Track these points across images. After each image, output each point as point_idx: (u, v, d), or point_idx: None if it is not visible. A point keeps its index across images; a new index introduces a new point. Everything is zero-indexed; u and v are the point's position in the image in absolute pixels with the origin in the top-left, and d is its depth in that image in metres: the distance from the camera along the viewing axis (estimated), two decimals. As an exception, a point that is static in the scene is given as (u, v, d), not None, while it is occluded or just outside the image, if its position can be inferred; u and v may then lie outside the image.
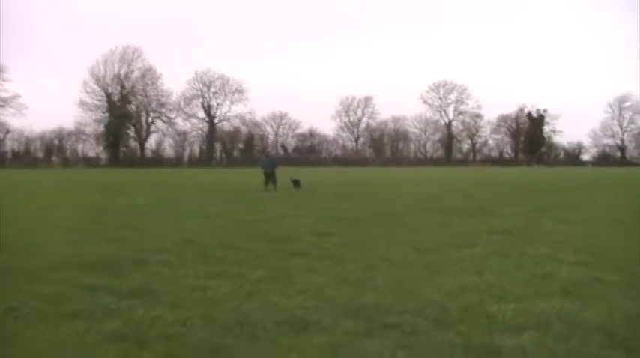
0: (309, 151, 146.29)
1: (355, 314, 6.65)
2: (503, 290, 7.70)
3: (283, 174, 35.57)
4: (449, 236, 13.04)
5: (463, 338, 5.86)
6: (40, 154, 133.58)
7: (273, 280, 8.39)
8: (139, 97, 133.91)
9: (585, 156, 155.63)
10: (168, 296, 7.51)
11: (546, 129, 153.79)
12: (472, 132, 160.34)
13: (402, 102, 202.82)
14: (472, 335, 5.94)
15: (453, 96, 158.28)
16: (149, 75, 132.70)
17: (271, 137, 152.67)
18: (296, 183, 35.72)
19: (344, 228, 14.74)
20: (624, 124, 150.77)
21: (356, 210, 19.79)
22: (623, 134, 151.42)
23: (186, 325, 6.31)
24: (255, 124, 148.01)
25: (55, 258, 10.31)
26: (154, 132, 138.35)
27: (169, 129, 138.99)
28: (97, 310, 6.90)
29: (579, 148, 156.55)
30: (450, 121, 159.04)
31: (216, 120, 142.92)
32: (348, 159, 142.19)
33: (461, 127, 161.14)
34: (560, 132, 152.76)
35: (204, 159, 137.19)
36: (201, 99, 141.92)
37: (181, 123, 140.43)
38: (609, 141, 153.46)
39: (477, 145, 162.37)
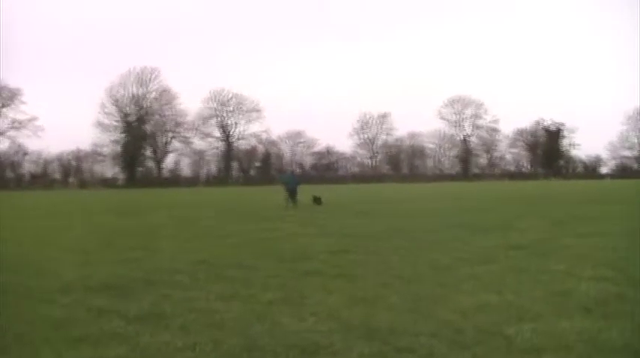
0: (327, 169, 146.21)
1: (369, 336, 6.43)
2: (521, 309, 7.44)
3: (303, 191, 35.41)
4: (465, 252, 12.76)
5: (480, 361, 5.64)
6: (58, 175, 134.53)
7: (285, 301, 8.18)
8: (156, 118, 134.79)
9: (604, 169, 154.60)
10: (178, 319, 7.31)
11: (564, 142, 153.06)
12: (489, 146, 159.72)
13: (418, 118, 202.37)
14: (490, 358, 5.71)
15: (469, 111, 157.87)
16: (165, 95, 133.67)
17: (288, 155, 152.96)
18: (317, 201, 35.76)
19: (359, 245, 14.51)
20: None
21: (372, 226, 19.56)
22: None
23: (195, 351, 6.12)
24: (272, 143, 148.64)
25: (66, 279, 10.19)
26: (170, 151, 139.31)
27: (186, 148, 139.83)
28: (103, 335, 6.73)
29: (597, 161, 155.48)
30: (466, 136, 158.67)
31: (232, 139, 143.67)
32: (366, 176, 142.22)
33: (478, 142, 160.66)
34: (578, 145, 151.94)
35: (221, 177, 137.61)
36: (217, 119, 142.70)
37: (198, 143, 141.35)
38: (628, 153, 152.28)
39: (495, 160, 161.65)
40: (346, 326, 6.84)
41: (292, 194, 34.09)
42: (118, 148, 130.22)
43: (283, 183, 35.94)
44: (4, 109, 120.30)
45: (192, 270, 10.97)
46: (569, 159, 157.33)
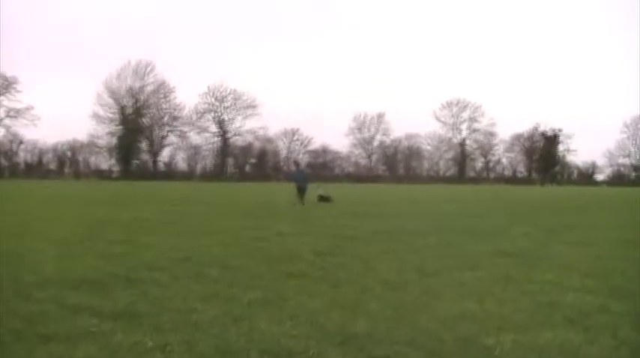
0: (322, 168, 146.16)
1: (345, 343, 6.29)
2: (504, 320, 7.31)
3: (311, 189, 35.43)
4: (453, 258, 12.60)
5: (457, 373, 5.51)
6: (53, 166, 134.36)
7: (265, 303, 8.03)
8: (152, 111, 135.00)
9: (600, 176, 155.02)
10: (153, 318, 7.16)
11: (561, 148, 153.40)
12: (485, 150, 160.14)
13: (415, 119, 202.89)
14: (467, 369, 5.59)
15: (466, 114, 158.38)
16: (162, 89, 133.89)
17: (284, 153, 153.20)
18: (325, 199, 36.02)
19: (347, 247, 14.36)
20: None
21: (362, 228, 19.40)
22: (639, 154, 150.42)
23: (165, 352, 5.97)
24: (268, 140, 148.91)
25: (44, 273, 10.02)
26: (166, 145, 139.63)
27: (182, 142, 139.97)
28: (75, 332, 6.57)
29: (593, 168, 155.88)
30: (463, 139, 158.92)
31: (228, 135, 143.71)
32: (361, 176, 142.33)
33: (474, 145, 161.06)
34: (575, 151, 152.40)
35: (216, 173, 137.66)
36: (213, 114, 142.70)
37: (194, 137, 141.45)
38: (625, 160, 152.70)
39: (491, 163, 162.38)
40: (323, 332, 6.69)
41: (302, 191, 34.33)
42: (114, 140, 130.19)
43: (293, 180, 36.01)
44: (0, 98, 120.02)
45: (173, 268, 10.81)
46: (565, 165, 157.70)
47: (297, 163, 46.65)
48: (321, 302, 8.17)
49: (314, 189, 37.23)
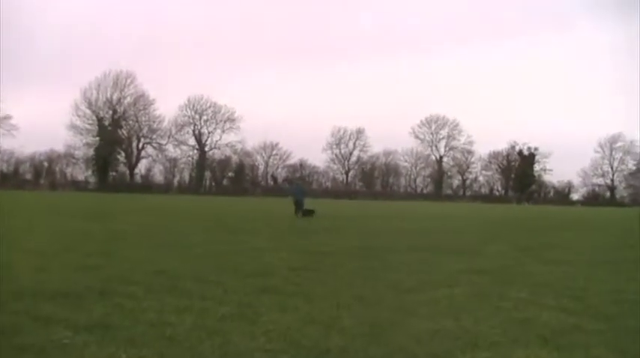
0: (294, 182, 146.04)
1: (319, 358, 6.30)
2: (478, 337, 7.34)
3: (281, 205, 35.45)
4: (428, 275, 12.65)
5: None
6: (29, 176, 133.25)
7: (239, 318, 8.01)
8: (131, 123, 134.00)
9: (575, 195, 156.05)
10: (126, 331, 7.12)
11: (537, 167, 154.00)
12: (463, 168, 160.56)
13: (393, 135, 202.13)
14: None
15: (444, 132, 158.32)
16: (141, 100, 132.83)
17: (262, 167, 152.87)
18: (309, 213, 36.96)
19: (322, 263, 14.37)
20: (615, 164, 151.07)
21: (338, 244, 19.42)
22: (613, 174, 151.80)
23: (137, 365, 5.96)
24: (246, 154, 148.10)
25: (18, 284, 9.94)
26: (144, 157, 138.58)
27: (159, 155, 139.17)
28: (48, 345, 6.53)
29: (569, 187, 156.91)
30: (441, 157, 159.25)
31: (206, 148, 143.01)
32: (338, 192, 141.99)
33: (452, 163, 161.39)
34: (551, 170, 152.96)
35: (194, 186, 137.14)
36: (192, 127, 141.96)
37: (172, 150, 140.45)
38: (599, 180, 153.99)
39: (468, 181, 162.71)
40: (296, 347, 6.69)
41: (299, 205, 36.20)
42: (91, 151, 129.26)
43: (291, 194, 38.44)
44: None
45: (149, 281, 10.77)
46: (542, 184, 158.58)
47: (295, 182, 49.11)
48: (295, 317, 8.16)
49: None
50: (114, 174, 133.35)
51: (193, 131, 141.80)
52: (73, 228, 23.04)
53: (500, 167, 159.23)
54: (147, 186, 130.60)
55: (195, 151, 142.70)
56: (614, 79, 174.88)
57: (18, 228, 21.92)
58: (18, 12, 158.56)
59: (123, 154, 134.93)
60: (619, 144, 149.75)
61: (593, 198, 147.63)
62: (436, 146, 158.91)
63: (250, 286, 10.60)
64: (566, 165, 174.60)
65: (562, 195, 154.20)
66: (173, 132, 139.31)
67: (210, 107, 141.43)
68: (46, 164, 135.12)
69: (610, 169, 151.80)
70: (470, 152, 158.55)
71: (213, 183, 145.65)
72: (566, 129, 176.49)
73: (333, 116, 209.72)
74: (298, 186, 41.56)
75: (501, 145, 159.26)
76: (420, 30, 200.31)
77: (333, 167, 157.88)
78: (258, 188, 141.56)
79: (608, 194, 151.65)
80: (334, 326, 7.72)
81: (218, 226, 27.49)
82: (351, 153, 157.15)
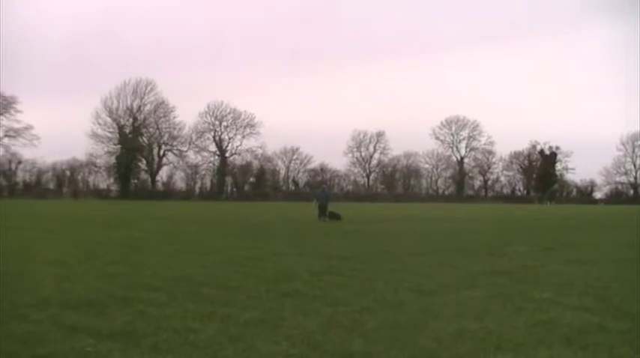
0: (320, 186, 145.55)
1: (342, 363, 6.30)
2: (501, 338, 7.31)
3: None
4: (451, 277, 12.61)
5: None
6: (52, 185, 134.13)
7: (262, 323, 8.03)
8: (151, 130, 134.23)
9: (598, 194, 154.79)
10: (150, 338, 7.16)
11: (559, 166, 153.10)
12: (484, 168, 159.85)
13: (414, 137, 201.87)
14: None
15: (465, 133, 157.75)
16: (161, 108, 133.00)
17: (283, 172, 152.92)
18: (335, 216, 38.51)
19: (343, 267, 14.34)
20: (637, 162, 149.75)
21: (359, 247, 19.40)
22: (636, 172, 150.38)
23: (162, 372, 5.98)
24: (267, 159, 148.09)
25: (42, 293, 10.03)
26: (165, 164, 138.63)
27: (180, 162, 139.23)
28: (71, 353, 6.60)
29: (592, 186, 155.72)
30: (462, 158, 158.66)
31: (227, 154, 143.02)
32: (359, 195, 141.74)
33: (473, 164, 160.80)
34: (573, 169, 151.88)
35: (215, 192, 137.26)
36: (212, 133, 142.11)
37: (193, 157, 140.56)
38: (622, 178, 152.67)
39: (489, 182, 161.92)
40: (320, 351, 6.70)
41: (323, 209, 38.33)
42: (113, 159, 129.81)
43: (316, 199, 40.15)
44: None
45: (171, 287, 10.82)
46: (564, 184, 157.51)
47: (322, 188, 51.39)
48: (318, 321, 8.18)
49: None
50: (135, 181, 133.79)
51: (214, 137, 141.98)
52: (95, 237, 23.12)
53: (521, 167, 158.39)
54: (168, 193, 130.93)
55: (216, 157, 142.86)
56: (636, 76, 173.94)
57: (41, 238, 22.03)
58: (36, 22, 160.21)
59: (144, 162, 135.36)
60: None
61: (616, 197, 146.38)
62: (457, 147, 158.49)
63: (273, 291, 10.62)
64: (588, 164, 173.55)
65: (584, 194, 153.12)
66: (194, 138, 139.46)
67: (230, 113, 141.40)
68: (68, 173, 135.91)
69: (633, 167, 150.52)
70: (491, 152, 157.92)
71: (235, 189, 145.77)
72: (587, 128, 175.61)
73: (353, 119, 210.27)
74: (324, 191, 42.90)
75: (522, 145, 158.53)
76: (438, 31, 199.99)
77: (354, 170, 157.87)
78: (279, 193, 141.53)
79: (631, 192, 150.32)
80: (357, 330, 7.72)
81: (239, 232, 27.55)
82: (371, 156, 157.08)
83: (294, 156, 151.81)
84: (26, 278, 11.85)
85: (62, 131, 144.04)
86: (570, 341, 7.23)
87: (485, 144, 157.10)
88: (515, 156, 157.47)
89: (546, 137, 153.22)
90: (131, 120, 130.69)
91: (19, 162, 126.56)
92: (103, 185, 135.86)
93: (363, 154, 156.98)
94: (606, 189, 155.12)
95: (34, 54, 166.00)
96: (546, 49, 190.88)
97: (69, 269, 13.41)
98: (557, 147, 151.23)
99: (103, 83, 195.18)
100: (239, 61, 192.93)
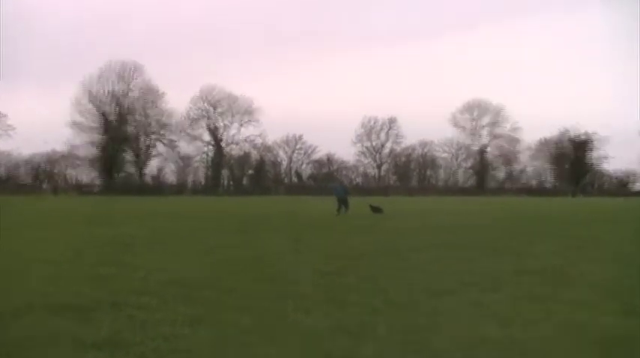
0: (326, 179, 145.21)
1: (351, 370, 6.37)
2: (525, 345, 7.36)
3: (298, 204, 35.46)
4: (470, 276, 12.66)
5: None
6: (28, 179, 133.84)
7: (260, 327, 8.11)
8: (138, 117, 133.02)
9: (638, 185, 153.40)
10: (138, 347, 7.23)
11: (593, 155, 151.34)
12: (509, 158, 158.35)
13: (430, 124, 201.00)
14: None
15: (487, 119, 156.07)
16: (149, 94, 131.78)
17: (285, 163, 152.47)
18: (377, 210, 42.32)
19: (351, 265, 14.45)
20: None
21: (368, 245, 19.52)
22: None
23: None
24: (267, 149, 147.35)
25: (24, 298, 10.07)
26: (154, 156, 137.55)
27: (171, 153, 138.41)
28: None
29: (631, 176, 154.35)
30: (484, 146, 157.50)
31: (223, 144, 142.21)
32: (370, 188, 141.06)
33: (496, 153, 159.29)
34: (610, 158, 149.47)
35: (210, 186, 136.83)
36: (206, 121, 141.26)
37: (185, 147, 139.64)
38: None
39: (515, 173, 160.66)
40: (327, 358, 6.77)
41: (343, 202, 41.17)
42: (96, 151, 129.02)
43: (334, 193, 43.09)
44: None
45: (162, 290, 10.88)
46: (599, 174, 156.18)
47: (339, 181, 55.73)
48: (323, 325, 8.25)
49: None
50: (121, 175, 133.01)
51: (207, 125, 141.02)
52: (80, 235, 23.22)
53: (550, 156, 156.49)
54: (158, 187, 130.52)
55: (211, 147, 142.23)
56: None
57: (23, 237, 22.18)
58: (12, 6, 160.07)
59: (131, 153, 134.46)
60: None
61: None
62: (478, 134, 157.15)
63: (273, 293, 10.69)
64: (626, 153, 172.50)
65: (622, 186, 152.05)
66: (185, 127, 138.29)
67: (225, 98, 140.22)
68: (47, 167, 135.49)
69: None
70: (516, 140, 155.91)
71: (232, 182, 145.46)
72: (624, 113, 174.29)
73: (361, 105, 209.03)
74: (342, 186, 47.17)
75: (551, 132, 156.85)
76: (461, 8, 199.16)
77: (363, 161, 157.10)
78: (281, 186, 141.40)
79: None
80: (366, 333, 7.79)
81: (237, 229, 27.58)
82: (383, 145, 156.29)
83: (298, 146, 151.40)
84: (10, 281, 11.98)
85: (39, 123, 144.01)
86: (605, 348, 7.27)
87: (509, 131, 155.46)
88: (544, 144, 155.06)
89: (581, 122, 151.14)
90: (116, 107, 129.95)
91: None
92: (85, 179, 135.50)
93: (374, 143, 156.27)
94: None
95: (9, 41, 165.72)
96: (578, 25, 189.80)
97: (54, 270, 13.55)
98: (593, 134, 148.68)
99: (84, 69, 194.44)
100: (235, 43, 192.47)
